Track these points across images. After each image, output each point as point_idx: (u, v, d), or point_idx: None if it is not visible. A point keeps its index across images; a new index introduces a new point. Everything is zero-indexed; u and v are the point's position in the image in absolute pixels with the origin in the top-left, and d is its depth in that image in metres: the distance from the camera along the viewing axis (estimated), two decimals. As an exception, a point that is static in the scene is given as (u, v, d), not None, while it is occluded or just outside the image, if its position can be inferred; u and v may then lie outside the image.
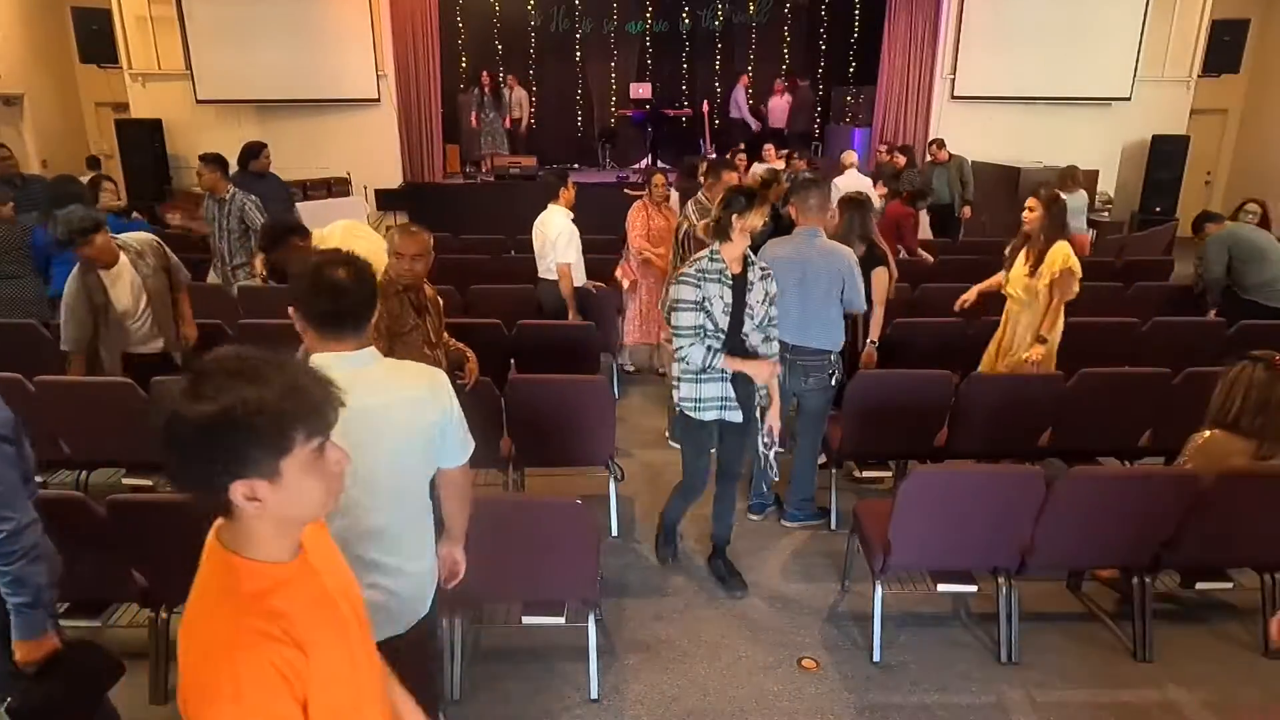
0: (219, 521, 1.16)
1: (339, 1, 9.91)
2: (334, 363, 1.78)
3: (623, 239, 5.76)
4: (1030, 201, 4.18)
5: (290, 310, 1.86)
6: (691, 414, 3.25)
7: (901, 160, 8.35)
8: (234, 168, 6.06)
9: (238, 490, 1.06)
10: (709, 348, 3.09)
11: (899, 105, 11.03)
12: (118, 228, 5.05)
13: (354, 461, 1.78)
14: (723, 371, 3.15)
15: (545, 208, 5.17)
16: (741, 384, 3.23)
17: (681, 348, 3.11)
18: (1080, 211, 7.19)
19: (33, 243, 5.06)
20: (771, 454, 3.38)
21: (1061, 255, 4.02)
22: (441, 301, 3.39)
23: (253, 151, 6.54)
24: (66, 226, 3.76)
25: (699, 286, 3.08)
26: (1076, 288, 4.07)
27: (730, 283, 3.11)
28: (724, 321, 3.11)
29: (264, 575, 1.13)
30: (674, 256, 4.76)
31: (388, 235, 3.11)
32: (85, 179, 6.20)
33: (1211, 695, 2.95)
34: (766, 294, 3.21)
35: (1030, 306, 4.15)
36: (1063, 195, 7.06)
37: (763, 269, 3.23)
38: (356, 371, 1.79)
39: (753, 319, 3.18)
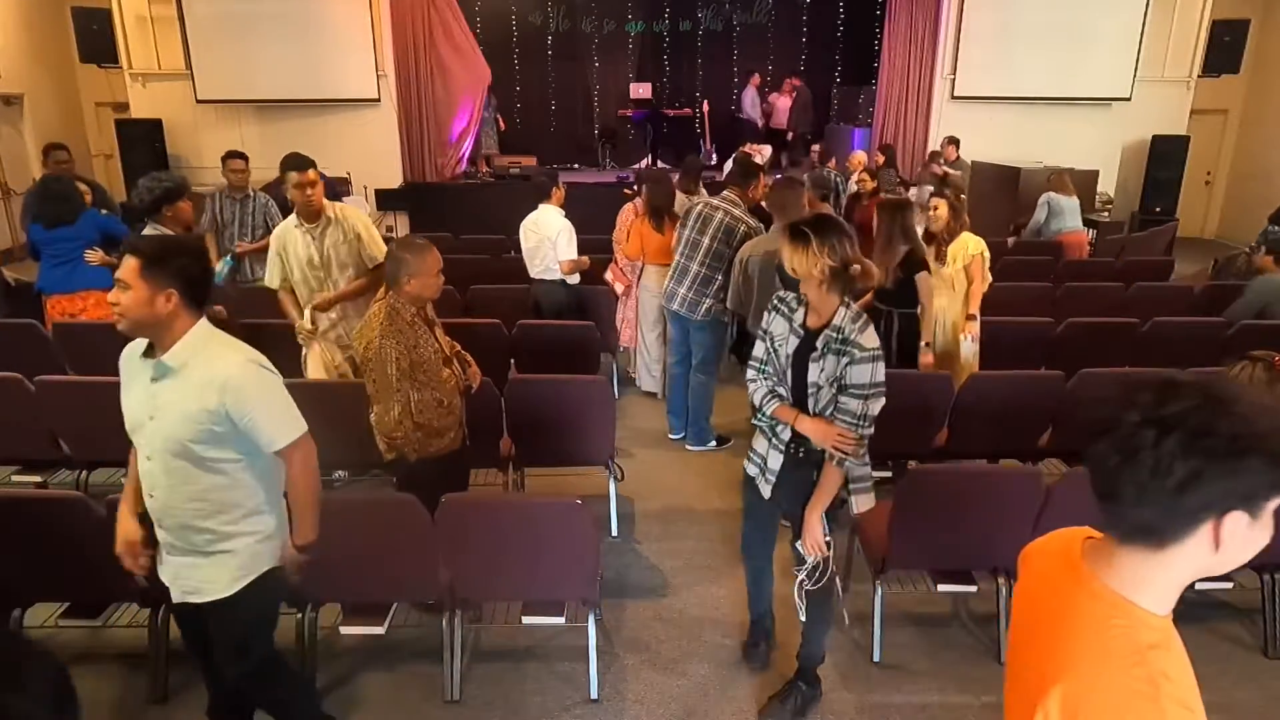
0: (1084, 559, 1.09)
1: (339, 1, 9.91)
2: (209, 331, 2.04)
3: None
4: (935, 202, 4.59)
5: (156, 290, 1.93)
6: (746, 464, 2.80)
7: (880, 159, 8.32)
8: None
9: (1209, 526, 0.97)
10: (770, 390, 2.56)
11: (899, 105, 11.03)
12: (99, 223, 5.06)
13: None
14: (772, 432, 2.63)
15: (535, 207, 5.19)
16: (795, 467, 2.60)
17: (753, 379, 2.64)
18: (1075, 212, 7.47)
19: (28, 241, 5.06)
20: (798, 588, 2.60)
21: (973, 241, 4.45)
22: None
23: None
24: (150, 194, 3.81)
25: (769, 314, 2.60)
26: (988, 274, 4.51)
27: (801, 333, 2.49)
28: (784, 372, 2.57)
29: (1159, 631, 1.06)
30: (706, 253, 4.60)
31: (389, 258, 2.89)
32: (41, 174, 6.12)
33: (1211, 695, 2.88)
34: (836, 376, 2.40)
35: (947, 295, 4.44)
36: (1060, 196, 7.37)
37: (851, 345, 2.36)
38: (211, 333, 2.06)
39: (815, 398, 2.46)
